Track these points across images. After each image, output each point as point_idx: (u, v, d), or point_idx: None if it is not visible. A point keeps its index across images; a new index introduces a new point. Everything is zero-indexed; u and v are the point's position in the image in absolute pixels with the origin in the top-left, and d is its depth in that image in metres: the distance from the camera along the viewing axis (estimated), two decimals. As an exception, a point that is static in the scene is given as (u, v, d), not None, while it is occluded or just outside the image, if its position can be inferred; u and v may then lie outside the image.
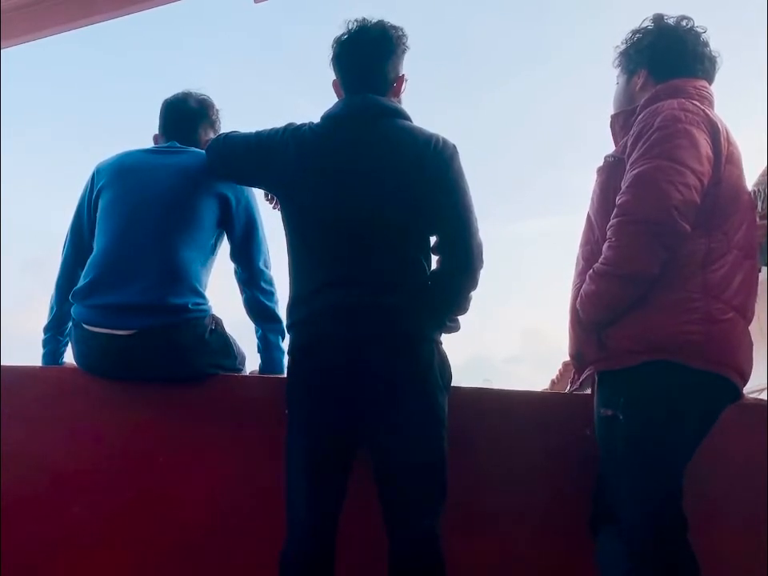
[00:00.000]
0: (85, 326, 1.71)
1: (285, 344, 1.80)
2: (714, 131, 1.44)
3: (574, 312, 1.50)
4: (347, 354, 1.45)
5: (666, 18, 1.60)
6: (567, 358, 1.61)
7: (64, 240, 1.90)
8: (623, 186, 1.42)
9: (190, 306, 1.70)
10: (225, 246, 1.88)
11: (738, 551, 1.63)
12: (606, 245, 1.42)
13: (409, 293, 1.50)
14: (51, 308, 1.89)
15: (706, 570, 1.31)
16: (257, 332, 1.90)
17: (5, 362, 1.84)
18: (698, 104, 1.47)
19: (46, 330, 1.90)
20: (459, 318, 1.62)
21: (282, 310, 1.79)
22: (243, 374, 1.87)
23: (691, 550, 1.33)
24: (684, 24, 1.58)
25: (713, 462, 1.56)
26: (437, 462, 1.45)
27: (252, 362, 1.90)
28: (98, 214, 1.81)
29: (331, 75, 1.69)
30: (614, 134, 1.64)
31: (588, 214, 1.57)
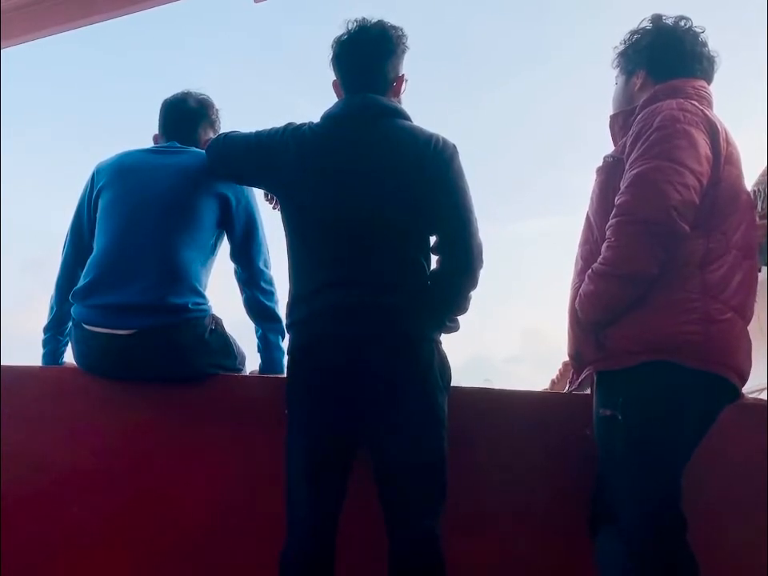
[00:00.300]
0: (85, 325, 1.71)
1: (285, 344, 1.80)
2: (712, 131, 1.44)
3: (573, 312, 1.49)
4: (347, 354, 1.45)
5: (664, 18, 1.60)
6: (567, 358, 1.60)
7: (64, 240, 1.91)
8: (622, 186, 1.42)
9: (190, 305, 1.70)
10: (225, 246, 1.88)
11: (737, 551, 1.63)
12: (604, 245, 1.42)
13: (409, 293, 1.50)
14: (51, 308, 1.89)
15: (705, 570, 1.31)
16: (257, 332, 1.90)
17: (5, 362, 1.84)
18: (696, 104, 1.47)
19: (46, 329, 1.90)
20: (459, 318, 1.62)
21: (281, 310, 1.79)
22: (243, 374, 1.87)
23: (690, 549, 1.32)
24: (682, 24, 1.58)
25: (712, 462, 1.56)
26: (437, 462, 1.45)
27: (252, 362, 1.91)
28: (98, 214, 1.81)
29: (331, 75, 1.69)
30: (613, 135, 1.64)
31: (587, 214, 1.57)
